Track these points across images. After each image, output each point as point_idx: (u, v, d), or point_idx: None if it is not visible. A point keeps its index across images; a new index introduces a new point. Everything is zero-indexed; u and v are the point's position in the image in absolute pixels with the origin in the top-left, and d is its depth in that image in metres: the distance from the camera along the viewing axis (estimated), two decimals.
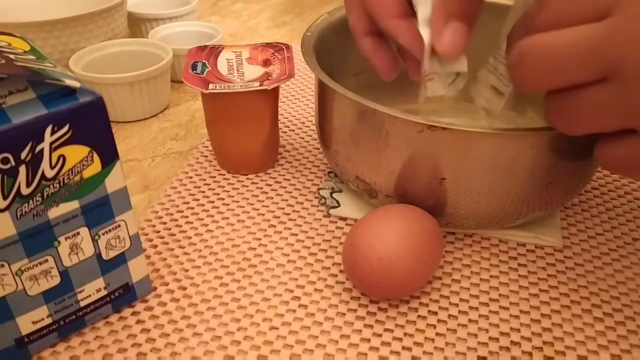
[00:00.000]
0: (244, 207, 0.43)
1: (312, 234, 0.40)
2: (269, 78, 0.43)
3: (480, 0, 0.31)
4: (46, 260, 0.28)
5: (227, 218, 0.42)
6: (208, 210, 0.42)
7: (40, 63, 0.27)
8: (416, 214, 0.34)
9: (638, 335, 0.33)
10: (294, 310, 0.34)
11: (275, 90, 0.44)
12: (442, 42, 0.30)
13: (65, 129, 0.26)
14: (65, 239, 0.29)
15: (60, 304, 0.30)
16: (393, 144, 0.35)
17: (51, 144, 0.26)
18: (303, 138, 0.52)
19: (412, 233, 0.33)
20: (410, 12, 0.33)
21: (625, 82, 0.24)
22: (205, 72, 0.43)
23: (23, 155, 0.25)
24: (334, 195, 0.43)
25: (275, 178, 0.46)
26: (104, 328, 0.33)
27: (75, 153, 0.27)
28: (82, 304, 0.31)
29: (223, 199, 0.44)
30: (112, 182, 0.29)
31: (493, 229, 0.40)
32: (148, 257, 0.38)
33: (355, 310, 0.34)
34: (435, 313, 0.34)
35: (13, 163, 0.25)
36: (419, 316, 0.34)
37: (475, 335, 0.33)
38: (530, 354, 0.32)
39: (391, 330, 0.33)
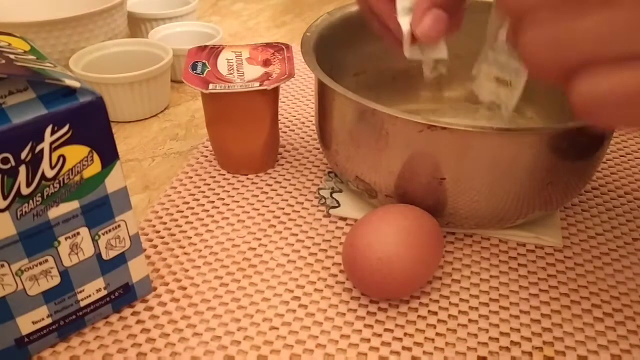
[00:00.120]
0: (244, 207, 0.43)
1: (312, 234, 0.40)
2: (269, 78, 0.43)
3: None
4: (46, 260, 0.28)
5: (227, 218, 0.42)
6: (208, 210, 0.42)
7: (40, 63, 0.27)
8: (416, 213, 0.34)
9: (638, 335, 0.33)
10: (294, 310, 0.34)
11: (275, 90, 0.44)
12: (422, 27, 0.32)
13: (65, 129, 0.26)
14: (65, 239, 0.29)
15: (60, 304, 0.30)
16: (393, 144, 0.35)
17: (51, 144, 0.26)
18: (303, 138, 0.52)
19: (412, 233, 0.33)
20: None
21: None
22: (205, 72, 0.43)
23: (23, 155, 0.25)
24: (334, 195, 0.43)
25: (275, 178, 0.46)
26: (104, 328, 0.33)
27: (75, 153, 0.27)
28: (82, 304, 0.31)
29: (223, 199, 0.44)
30: (112, 182, 0.29)
31: (493, 229, 0.40)
32: (148, 257, 0.38)
33: (355, 310, 0.34)
34: (435, 313, 0.34)
35: (13, 163, 0.25)
36: (419, 316, 0.34)
37: (475, 335, 0.33)
38: (530, 354, 0.32)
39: (391, 330, 0.33)
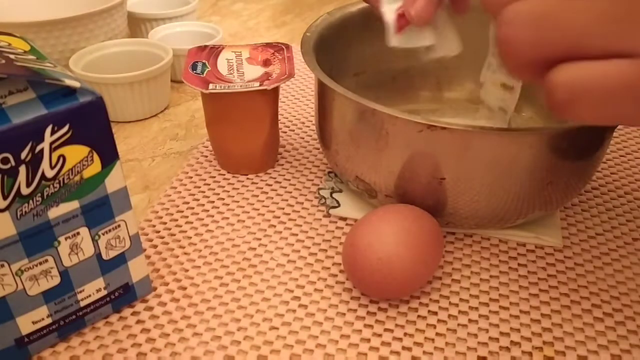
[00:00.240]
0: (244, 207, 0.43)
1: (312, 234, 0.40)
2: (269, 78, 0.43)
3: None
4: (46, 260, 0.28)
5: (227, 218, 0.42)
6: (208, 210, 0.42)
7: (40, 63, 0.27)
8: (416, 214, 0.34)
9: (638, 335, 0.33)
10: (294, 310, 0.34)
11: (275, 90, 0.44)
12: (416, 7, 0.33)
13: (65, 129, 0.26)
14: (65, 239, 0.29)
15: (60, 304, 0.30)
16: (393, 144, 0.35)
17: (51, 144, 0.26)
18: (303, 138, 0.52)
19: (412, 233, 0.33)
20: None
21: None
22: (205, 72, 0.43)
23: (23, 155, 0.25)
24: (334, 195, 0.43)
25: (275, 178, 0.46)
26: (104, 328, 0.33)
27: (75, 153, 0.27)
28: (82, 304, 0.31)
29: (223, 199, 0.44)
30: (112, 182, 0.29)
31: (493, 229, 0.40)
32: (148, 257, 0.38)
33: (355, 310, 0.34)
34: (435, 313, 0.34)
35: (13, 163, 0.25)
36: (419, 316, 0.34)
37: (475, 335, 0.33)
38: (530, 354, 0.32)
39: (391, 330, 0.33)
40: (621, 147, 0.51)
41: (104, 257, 0.31)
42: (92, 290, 0.31)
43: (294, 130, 0.53)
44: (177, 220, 0.41)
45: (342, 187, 0.44)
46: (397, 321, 0.33)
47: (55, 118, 0.25)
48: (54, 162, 0.26)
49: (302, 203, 0.43)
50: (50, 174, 0.26)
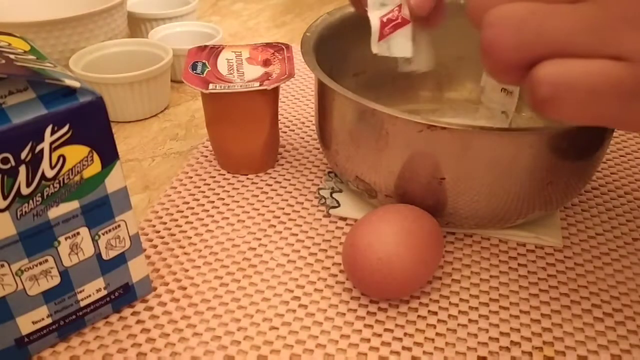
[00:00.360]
0: (244, 207, 0.43)
1: (312, 234, 0.40)
2: (269, 78, 0.43)
3: None
4: (46, 260, 0.28)
5: (227, 218, 0.42)
6: (208, 210, 0.42)
7: (40, 63, 0.27)
8: (416, 214, 0.34)
9: (638, 335, 0.33)
10: (294, 310, 0.34)
11: (275, 90, 0.44)
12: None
13: (65, 129, 0.26)
14: (65, 239, 0.29)
15: (60, 304, 0.30)
16: (393, 144, 0.35)
17: (51, 144, 0.26)
18: (303, 138, 0.52)
19: (412, 233, 0.33)
20: None
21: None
22: (205, 72, 0.43)
23: (23, 155, 0.25)
24: (334, 195, 0.43)
25: (275, 178, 0.46)
26: (104, 328, 0.33)
27: (75, 153, 0.27)
28: (82, 304, 0.31)
29: (223, 199, 0.44)
30: (112, 182, 0.29)
31: (493, 229, 0.40)
32: (148, 257, 0.38)
33: (355, 310, 0.34)
34: (435, 313, 0.34)
35: (13, 163, 0.25)
36: (419, 316, 0.34)
37: (475, 335, 0.33)
38: (530, 354, 0.32)
39: (391, 330, 0.33)
40: (621, 147, 0.51)
41: (104, 257, 0.31)
42: (92, 290, 0.31)
43: (294, 130, 0.53)
44: (177, 220, 0.41)
45: (342, 187, 0.44)
46: (397, 321, 0.33)
47: (55, 118, 0.25)
48: (54, 162, 0.26)
49: (302, 203, 0.43)
50: (50, 174, 0.26)
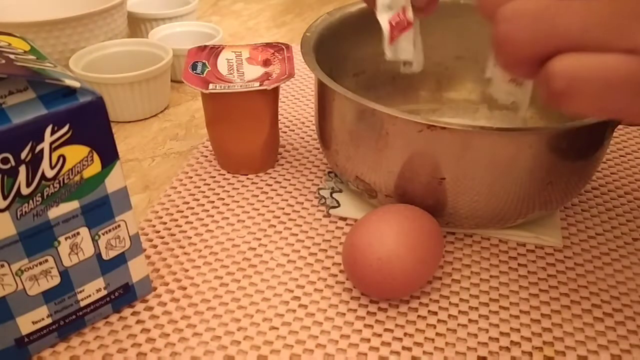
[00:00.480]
0: (244, 207, 0.43)
1: (312, 234, 0.40)
2: (269, 78, 0.43)
3: None
4: (46, 260, 0.28)
5: (227, 218, 0.42)
6: (208, 210, 0.42)
7: (40, 63, 0.27)
8: (416, 214, 0.34)
9: (638, 335, 0.33)
10: (294, 310, 0.34)
11: (275, 90, 0.44)
12: None
13: (65, 129, 0.26)
14: (65, 239, 0.29)
15: (60, 304, 0.30)
16: (393, 144, 0.35)
17: (51, 144, 0.26)
18: (303, 138, 0.52)
19: (412, 233, 0.33)
20: None
21: None
22: (205, 72, 0.43)
23: (23, 155, 0.25)
24: (334, 195, 0.43)
25: (275, 178, 0.46)
26: (104, 328, 0.33)
27: (75, 153, 0.27)
28: (82, 304, 0.31)
29: (223, 199, 0.44)
30: (112, 182, 0.29)
31: (493, 229, 0.40)
32: (148, 257, 0.38)
33: (355, 310, 0.34)
34: (435, 313, 0.34)
35: (13, 163, 0.25)
36: (419, 316, 0.34)
37: (475, 335, 0.33)
38: (530, 354, 0.32)
39: (391, 330, 0.33)
40: (621, 147, 0.51)
41: (104, 257, 0.31)
42: (92, 290, 0.31)
43: (294, 130, 0.53)
44: (177, 220, 0.41)
45: (342, 187, 0.44)
46: (397, 321, 0.33)
47: (55, 118, 0.25)
48: (54, 162, 0.26)
49: (302, 203, 0.43)
50: (50, 174, 0.26)
